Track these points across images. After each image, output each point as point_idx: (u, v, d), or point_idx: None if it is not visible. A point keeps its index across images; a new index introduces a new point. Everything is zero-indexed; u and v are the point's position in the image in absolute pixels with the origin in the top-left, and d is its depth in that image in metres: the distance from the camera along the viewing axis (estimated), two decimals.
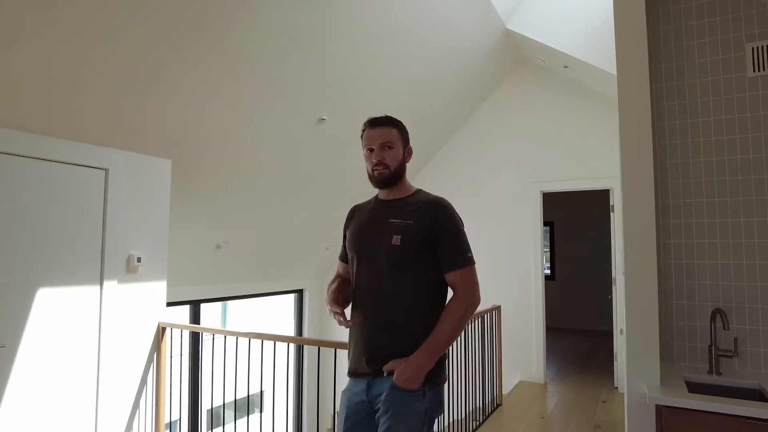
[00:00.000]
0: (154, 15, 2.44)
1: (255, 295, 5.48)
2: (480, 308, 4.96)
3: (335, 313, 1.61)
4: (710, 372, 2.08)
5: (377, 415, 1.53)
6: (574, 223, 8.42)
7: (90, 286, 2.87)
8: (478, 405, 3.96)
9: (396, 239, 1.58)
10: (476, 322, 3.94)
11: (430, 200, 1.67)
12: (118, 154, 3.03)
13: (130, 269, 3.07)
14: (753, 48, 2.17)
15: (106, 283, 2.93)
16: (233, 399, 3.47)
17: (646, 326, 1.93)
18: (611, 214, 4.84)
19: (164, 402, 3.21)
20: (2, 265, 2.50)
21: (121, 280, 3.02)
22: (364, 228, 1.67)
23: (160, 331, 3.22)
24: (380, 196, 1.72)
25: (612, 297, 5.04)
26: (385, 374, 1.53)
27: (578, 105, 4.99)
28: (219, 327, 5.21)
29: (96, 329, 2.90)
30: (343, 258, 1.77)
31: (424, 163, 5.75)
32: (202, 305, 4.76)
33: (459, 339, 3.52)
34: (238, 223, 4.31)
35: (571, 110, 5.03)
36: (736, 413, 1.63)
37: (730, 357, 2.08)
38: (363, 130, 1.69)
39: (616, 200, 4.76)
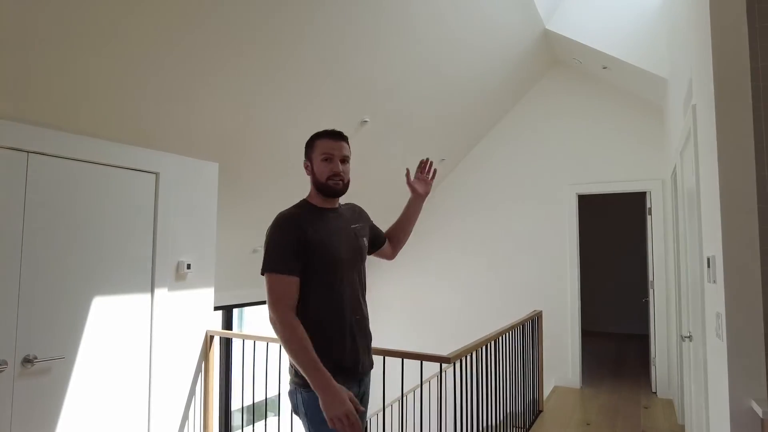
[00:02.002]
0: (205, 23, 2.37)
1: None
2: (522, 313, 4.88)
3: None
4: None
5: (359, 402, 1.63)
6: (600, 225, 8.25)
7: (141, 294, 2.78)
8: (518, 411, 3.89)
9: (365, 241, 1.81)
10: (519, 327, 3.87)
11: (355, 205, 1.91)
12: (168, 157, 2.95)
13: (179, 276, 2.98)
14: None
15: (156, 291, 2.84)
16: (251, 402, 3.40)
17: (752, 337, 1.85)
18: (648, 216, 4.78)
19: (212, 411, 3.12)
20: (62, 273, 2.41)
21: (171, 288, 2.93)
22: (337, 236, 1.69)
23: (208, 340, 3.13)
24: (319, 205, 1.73)
25: (648, 300, 4.99)
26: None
27: (614, 107, 4.94)
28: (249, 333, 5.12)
29: (147, 339, 2.81)
30: (296, 271, 1.59)
31: (456, 164, 5.68)
32: (234, 310, 4.67)
33: (504, 344, 3.43)
34: None
35: (607, 112, 4.97)
36: None
37: None
38: (315, 139, 1.73)
39: (654, 203, 4.70)
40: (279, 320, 1.54)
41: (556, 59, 5.14)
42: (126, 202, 2.71)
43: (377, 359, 2.62)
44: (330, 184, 1.68)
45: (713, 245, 2.06)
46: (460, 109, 4.72)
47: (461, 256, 5.66)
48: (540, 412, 4.23)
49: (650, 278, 4.78)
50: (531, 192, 5.32)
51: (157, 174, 2.87)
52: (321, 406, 1.50)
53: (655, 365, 4.65)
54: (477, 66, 4.27)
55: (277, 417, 3.46)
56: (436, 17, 3.39)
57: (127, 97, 2.48)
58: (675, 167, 3.42)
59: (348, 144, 1.76)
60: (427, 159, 2.03)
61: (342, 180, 1.71)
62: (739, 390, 1.86)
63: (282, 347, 1.57)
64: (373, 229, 1.95)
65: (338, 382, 1.54)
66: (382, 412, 4.54)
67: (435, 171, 2.04)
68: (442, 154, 5.21)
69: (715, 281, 2.03)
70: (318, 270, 1.62)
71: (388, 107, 3.94)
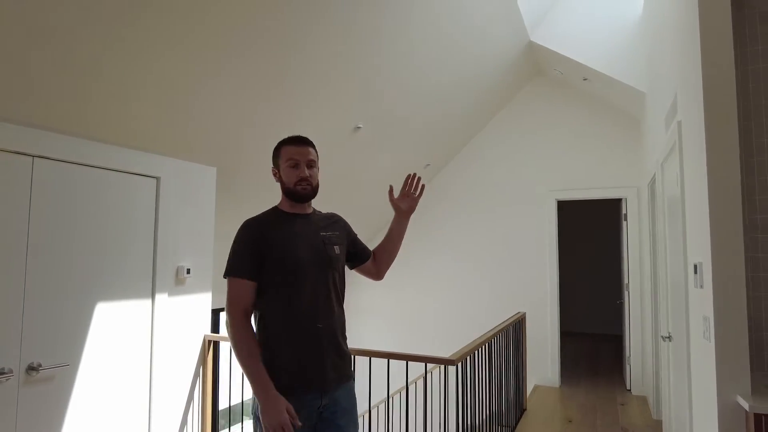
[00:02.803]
0: (205, 29, 2.38)
1: None
2: (506, 316, 5.01)
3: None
4: None
5: (330, 417, 1.65)
6: (578, 230, 8.44)
7: (142, 300, 2.77)
8: (504, 410, 4.03)
9: (337, 249, 1.76)
10: (509, 329, 4.00)
11: (335, 215, 1.91)
12: (168, 161, 2.94)
13: (179, 281, 2.97)
14: None
15: (157, 296, 2.83)
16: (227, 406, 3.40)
17: (737, 339, 2.01)
18: (624, 222, 5.02)
19: (210, 416, 3.12)
20: (66, 280, 2.38)
21: (171, 293, 2.92)
22: (300, 240, 1.68)
23: (206, 345, 3.13)
24: (288, 210, 1.74)
25: (622, 302, 5.24)
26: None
27: (593, 117, 5.16)
28: None
29: (148, 344, 2.79)
30: (251, 274, 1.60)
31: (440, 169, 5.80)
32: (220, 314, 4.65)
33: (493, 346, 3.56)
34: None
35: (586, 122, 5.18)
36: None
37: None
38: (281, 145, 1.74)
39: (629, 209, 4.94)
40: (231, 323, 1.57)
41: (539, 69, 5.33)
42: (128, 207, 2.70)
43: (381, 362, 2.70)
44: (298, 189, 1.69)
45: (700, 252, 2.22)
46: (446, 116, 4.83)
47: (444, 259, 5.79)
48: (524, 410, 4.38)
49: (625, 281, 5.02)
50: (512, 197, 5.49)
51: (158, 178, 2.86)
52: (259, 412, 1.51)
53: (629, 364, 4.88)
54: (465, 75, 4.40)
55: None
56: (429, 28, 3.48)
57: (128, 100, 2.46)
58: (654, 176, 3.62)
59: (314, 149, 1.76)
60: (414, 174, 1.94)
61: (310, 184, 1.72)
62: (726, 386, 2.02)
63: (235, 351, 1.57)
64: (356, 242, 1.91)
65: (297, 393, 1.56)
66: (385, 411, 4.61)
67: (423, 187, 1.95)
68: (427, 159, 5.33)
69: (702, 286, 2.19)
70: (275, 273, 1.61)
71: (381, 114, 4.01)
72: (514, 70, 5.00)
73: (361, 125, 3.93)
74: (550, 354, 5.15)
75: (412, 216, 1.98)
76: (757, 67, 2.36)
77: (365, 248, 1.96)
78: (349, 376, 1.76)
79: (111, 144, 2.60)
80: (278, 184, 1.76)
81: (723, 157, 2.06)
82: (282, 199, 1.76)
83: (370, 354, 2.63)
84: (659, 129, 3.37)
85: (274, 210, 1.75)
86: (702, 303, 2.19)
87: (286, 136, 1.77)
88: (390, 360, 2.64)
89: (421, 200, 1.98)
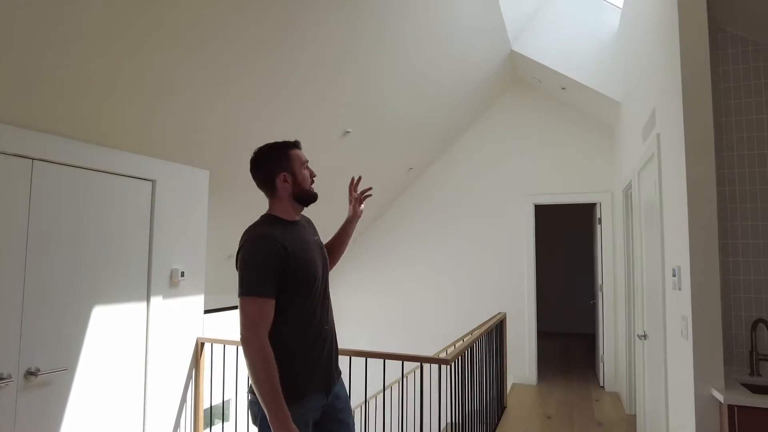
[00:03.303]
0: (195, 36, 2.42)
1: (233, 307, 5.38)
2: (486, 316, 5.16)
3: None
4: (751, 374, 2.39)
5: (331, 411, 1.73)
6: (554, 233, 8.69)
7: (138, 303, 2.77)
8: (486, 408, 4.16)
9: (325, 252, 1.84)
10: (493, 329, 4.14)
11: (306, 216, 1.90)
12: (163, 164, 2.94)
13: (173, 284, 2.98)
14: None
15: (152, 299, 2.83)
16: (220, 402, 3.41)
17: (712, 335, 2.18)
18: (598, 226, 5.24)
19: (202, 419, 3.13)
20: (64, 283, 2.37)
21: (166, 296, 2.93)
22: (311, 252, 1.70)
23: (199, 347, 3.14)
24: (285, 218, 1.71)
25: (595, 302, 5.46)
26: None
27: (569, 125, 5.36)
28: None
29: (143, 347, 2.79)
30: (274, 293, 1.57)
31: (422, 173, 5.92)
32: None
33: (483, 346, 3.69)
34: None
35: (563, 129, 5.39)
36: None
37: None
38: (288, 150, 1.75)
39: (603, 213, 5.17)
40: (255, 345, 1.48)
41: (518, 78, 5.51)
42: (125, 210, 2.69)
43: (376, 362, 2.78)
44: (313, 189, 1.77)
45: (679, 257, 2.39)
46: (429, 122, 4.95)
47: (427, 262, 5.90)
48: (504, 408, 4.53)
49: (599, 282, 5.24)
50: (492, 201, 5.65)
51: (153, 181, 2.86)
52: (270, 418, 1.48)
53: (603, 362, 5.10)
54: (449, 82, 4.52)
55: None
56: (419, 38, 3.57)
57: (123, 102, 2.45)
58: (631, 183, 3.82)
59: None
60: (358, 177, 2.04)
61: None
62: (702, 381, 2.18)
63: (247, 367, 1.50)
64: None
65: (309, 397, 1.61)
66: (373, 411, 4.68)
67: (368, 191, 2.07)
68: (410, 163, 5.43)
69: (680, 288, 2.36)
70: (296, 286, 1.60)
71: (369, 120, 4.09)
72: (495, 78, 5.15)
73: (350, 130, 4.00)
74: (527, 353, 5.33)
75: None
76: (728, 85, 2.56)
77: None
78: (340, 373, 1.84)
79: (108, 147, 2.60)
80: (276, 190, 1.72)
81: (701, 170, 2.23)
82: (280, 205, 1.72)
83: (366, 354, 2.70)
84: (636, 139, 3.56)
85: (274, 218, 1.69)
86: (681, 304, 2.35)
87: (276, 141, 1.77)
88: (367, 359, 2.73)
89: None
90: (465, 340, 3.04)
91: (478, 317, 5.29)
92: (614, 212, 5.06)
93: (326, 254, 1.85)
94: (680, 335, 2.37)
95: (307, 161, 1.80)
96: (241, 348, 1.88)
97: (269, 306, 1.54)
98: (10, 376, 2.13)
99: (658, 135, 2.76)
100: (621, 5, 4.23)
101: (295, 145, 1.79)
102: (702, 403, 2.17)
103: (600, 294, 5.22)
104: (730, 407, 2.06)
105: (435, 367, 2.70)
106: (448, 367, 2.65)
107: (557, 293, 8.56)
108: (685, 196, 2.25)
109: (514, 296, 5.43)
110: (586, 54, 4.57)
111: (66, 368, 2.35)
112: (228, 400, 3.34)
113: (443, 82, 4.46)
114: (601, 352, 5.16)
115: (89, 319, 2.48)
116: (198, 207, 3.18)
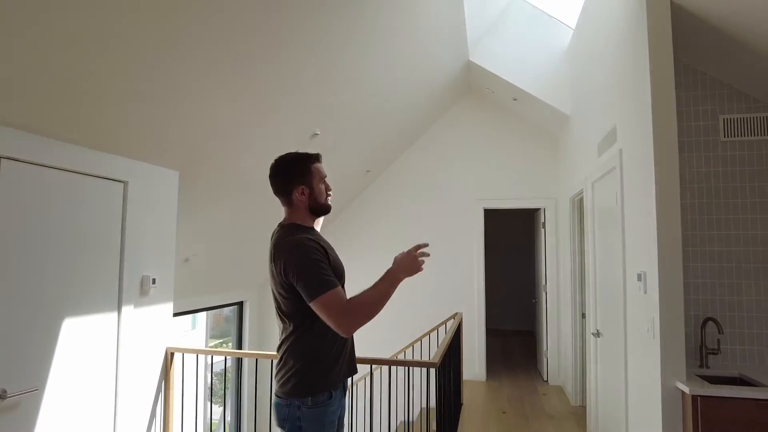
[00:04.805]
0: (166, 36, 2.32)
1: (199, 309, 5.15)
2: (447, 316, 5.29)
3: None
4: (701, 366, 2.69)
5: (342, 414, 1.84)
6: (500, 236, 8.97)
7: (109, 313, 2.57)
8: (445, 405, 4.31)
9: None
10: (444, 329, 4.28)
11: None
12: (134, 164, 2.76)
13: (144, 292, 2.80)
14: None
15: (123, 309, 2.64)
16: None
17: (676, 333, 2.43)
18: (542, 229, 5.59)
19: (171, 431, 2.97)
20: (33, 295, 2.15)
21: (137, 305, 2.74)
22: (336, 253, 1.85)
23: (169, 357, 2.98)
24: (309, 225, 1.82)
25: (536, 301, 5.81)
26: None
27: (518, 134, 5.66)
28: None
29: (114, 361, 2.60)
30: (337, 282, 1.68)
31: (378, 175, 5.96)
32: None
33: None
34: (210, 236, 4.08)
35: (511, 138, 5.68)
36: (760, 397, 2.19)
37: (715, 354, 2.72)
38: (311, 164, 1.82)
39: (547, 218, 5.51)
40: (356, 317, 1.58)
41: (472, 87, 5.72)
42: (95, 214, 2.49)
43: (365, 368, 2.79)
44: (329, 203, 1.85)
45: (644, 263, 2.63)
46: (386, 126, 5.01)
47: (381, 264, 5.95)
48: (461, 405, 4.71)
49: (543, 282, 5.59)
50: (444, 204, 5.83)
51: (125, 183, 2.67)
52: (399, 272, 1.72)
53: (546, 357, 5.45)
54: (409, 89, 4.61)
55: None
56: (382, 45, 3.59)
57: (92, 100, 2.27)
58: (582, 192, 4.12)
59: None
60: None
61: None
62: (667, 375, 2.43)
63: (372, 314, 1.61)
64: None
65: (335, 393, 1.70)
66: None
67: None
68: (367, 165, 5.46)
69: (646, 292, 2.60)
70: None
71: (335, 122, 4.07)
72: (452, 86, 5.32)
73: (318, 132, 3.96)
74: (477, 350, 5.56)
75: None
76: (689, 109, 2.86)
77: None
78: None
79: (79, 145, 2.39)
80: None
81: (668, 186, 2.48)
82: (299, 214, 1.79)
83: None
84: (590, 152, 3.85)
85: (297, 227, 1.75)
86: (647, 306, 2.59)
87: (298, 152, 1.83)
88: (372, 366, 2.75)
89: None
90: (443, 342, 3.14)
91: (433, 317, 5.46)
92: (558, 217, 5.42)
93: None
94: (646, 333, 2.61)
95: (326, 176, 1.85)
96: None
97: (341, 292, 1.63)
98: None
99: (621, 150, 3.01)
100: (573, 25, 4.54)
101: (317, 158, 1.84)
102: (667, 393, 2.42)
103: (544, 293, 5.56)
104: (694, 397, 2.32)
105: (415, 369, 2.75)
106: (434, 369, 2.73)
107: (501, 293, 8.96)
108: (653, 207, 2.49)
109: (466, 296, 5.64)
110: (537, 67, 4.85)
111: (37, 388, 2.14)
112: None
113: (404, 88, 4.53)
114: (544, 348, 5.51)
115: (59, 332, 2.27)
116: (168, 210, 3.01)
